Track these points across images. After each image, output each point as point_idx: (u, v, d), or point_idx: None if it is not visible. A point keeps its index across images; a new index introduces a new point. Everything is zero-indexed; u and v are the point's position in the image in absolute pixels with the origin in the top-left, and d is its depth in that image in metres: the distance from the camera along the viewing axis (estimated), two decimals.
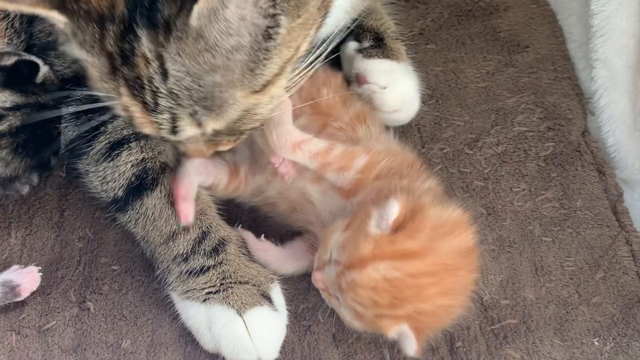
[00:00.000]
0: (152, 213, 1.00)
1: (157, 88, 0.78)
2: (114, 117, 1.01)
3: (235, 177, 1.05)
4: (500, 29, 1.40)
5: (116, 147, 1.01)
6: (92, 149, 1.02)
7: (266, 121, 0.91)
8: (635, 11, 1.20)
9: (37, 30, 1.10)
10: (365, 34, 1.19)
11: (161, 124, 0.82)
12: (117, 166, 1.01)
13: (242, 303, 0.96)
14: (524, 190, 1.19)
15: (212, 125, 0.83)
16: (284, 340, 1.00)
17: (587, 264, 1.11)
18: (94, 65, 0.82)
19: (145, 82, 0.78)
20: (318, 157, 0.98)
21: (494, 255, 1.11)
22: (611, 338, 1.04)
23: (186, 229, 0.99)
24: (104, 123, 1.02)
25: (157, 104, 0.80)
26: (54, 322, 1.03)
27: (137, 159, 1.01)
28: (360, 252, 0.88)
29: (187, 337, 1.01)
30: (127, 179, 1.00)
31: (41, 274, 1.05)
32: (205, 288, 0.98)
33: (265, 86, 0.82)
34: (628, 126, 1.25)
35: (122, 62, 0.78)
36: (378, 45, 1.17)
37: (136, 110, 0.82)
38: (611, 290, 1.09)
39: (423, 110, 1.23)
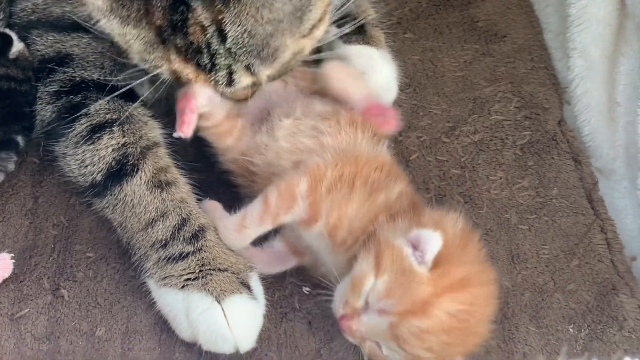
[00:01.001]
0: (131, 200, 0.99)
1: (215, 50, 0.85)
2: (97, 99, 1.01)
3: (231, 120, 1.04)
4: (477, 19, 1.40)
5: (98, 129, 1.00)
6: (72, 130, 1.01)
7: None
8: (611, 0, 1.21)
9: (19, 9, 1.09)
10: (346, 20, 1.18)
11: (218, 81, 0.89)
12: (97, 150, 1.00)
13: (221, 290, 0.95)
14: (500, 178, 1.19)
15: (266, 72, 0.90)
16: (260, 328, 0.99)
17: (563, 252, 1.12)
18: (139, 38, 0.86)
19: (203, 46, 0.84)
20: (264, 217, 0.96)
21: None
22: (586, 325, 1.05)
23: (165, 216, 0.98)
24: (86, 105, 1.01)
25: (214, 64, 0.86)
26: (27, 310, 1.01)
27: (118, 143, 1.00)
28: (419, 296, 0.84)
29: (163, 325, 1.00)
30: (107, 164, 0.99)
31: (14, 261, 1.03)
32: (183, 275, 0.96)
33: (311, 30, 0.90)
34: (604, 115, 1.26)
35: (172, 32, 0.83)
36: (358, 32, 1.16)
37: (190, 72, 0.88)
38: (586, 278, 1.10)
39: (400, 98, 1.23)
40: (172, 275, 0.97)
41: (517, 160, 1.21)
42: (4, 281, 1.02)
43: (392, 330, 0.86)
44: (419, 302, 0.85)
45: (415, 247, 0.87)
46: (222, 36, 0.83)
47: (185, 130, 0.99)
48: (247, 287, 0.98)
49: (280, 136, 1.01)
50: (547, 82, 1.32)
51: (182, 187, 1.02)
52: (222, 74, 0.88)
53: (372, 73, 1.14)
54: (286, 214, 0.96)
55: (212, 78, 0.88)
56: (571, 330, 1.05)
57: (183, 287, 0.96)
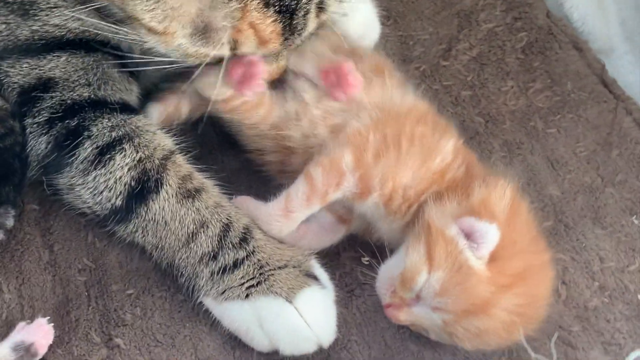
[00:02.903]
0: (163, 217, 0.90)
1: None
2: (96, 118, 0.91)
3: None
4: None
5: (106, 150, 0.91)
6: (76, 158, 0.91)
7: None
8: None
9: None
10: None
11: (296, 27, 0.85)
12: (111, 172, 0.90)
13: (288, 288, 0.88)
14: (512, 87, 1.16)
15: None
16: None
17: (599, 145, 1.09)
18: None
19: None
20: (311, 198, 0.89)
21: (506, 162, 1.07)
22: None
23: (206, 226, 0.89)
24: (86, 127, 0.91)
25: (298, 1, 0.83)
26: None
27: (133, 160, 0.90)
28: (479, 296, 0.80)
29: (233, 342, 0.92)
30: (125, 185, 0.90)
31: (52, 323, 0.91)
32: (244, 283, 0.88)
33: None
34: None
35: None
36: None
37: (268, 24, 0.82)
38: (630, 164, 1.08)
39: (385, 33, 1.17)
40: (232, 287, 0.89)
41: (522, 65, 1.18)
42: (50, 348, 0.90)
43: (447, 326, 0.82)
44: (479, 302, 0.80)
45: (467, 236, 0.82)
46: None
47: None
48: (313, 276, 0.91)
49: (309, 101, 0.94)
50: None
51: (212, 191, 0.93)
52: (300, 16, 0.84)
53: (353, 13, 1.07)
54: (335, 192, 0.89)
55: (293, 23, 0.84)
56: (636, 221, 1.02)
57: (247, 296, 0.88)
